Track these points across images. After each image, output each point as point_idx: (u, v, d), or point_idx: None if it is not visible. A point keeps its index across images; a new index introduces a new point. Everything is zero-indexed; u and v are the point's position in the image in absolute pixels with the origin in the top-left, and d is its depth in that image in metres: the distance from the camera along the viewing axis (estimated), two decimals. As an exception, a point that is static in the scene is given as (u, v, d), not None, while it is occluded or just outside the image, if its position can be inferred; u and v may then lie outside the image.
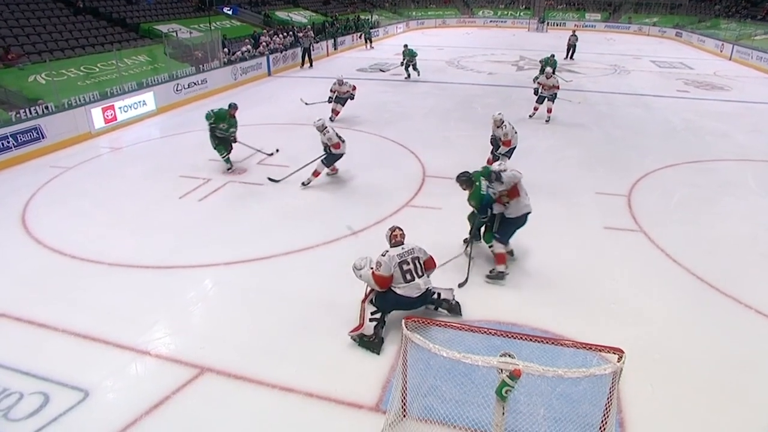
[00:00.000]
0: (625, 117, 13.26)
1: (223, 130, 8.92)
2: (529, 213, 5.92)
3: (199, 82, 15.15)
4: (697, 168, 9.58)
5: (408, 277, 4.85)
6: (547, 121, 12.37)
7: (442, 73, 19.68)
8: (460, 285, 5.64)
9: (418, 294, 4.89)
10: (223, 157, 9.08)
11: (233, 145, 9.20)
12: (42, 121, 10.35)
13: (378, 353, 4.74)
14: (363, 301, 4.97)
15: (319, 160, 8.43)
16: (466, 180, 5.94)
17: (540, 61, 16.82)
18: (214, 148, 9.07)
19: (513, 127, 8.44)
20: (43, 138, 10.32)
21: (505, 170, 5.74)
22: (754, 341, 5.00)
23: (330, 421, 4.05)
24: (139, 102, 12.84)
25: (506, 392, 3.09)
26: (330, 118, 12.06)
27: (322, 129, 8.26)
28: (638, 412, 4.11)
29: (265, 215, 7.57)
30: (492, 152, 8.77)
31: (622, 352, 3.30)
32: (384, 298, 4.89)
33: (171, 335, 5.03)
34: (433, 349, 3.18)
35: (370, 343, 4.80)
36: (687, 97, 15.77)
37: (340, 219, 7.27)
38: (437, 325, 3.66)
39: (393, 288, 4.84)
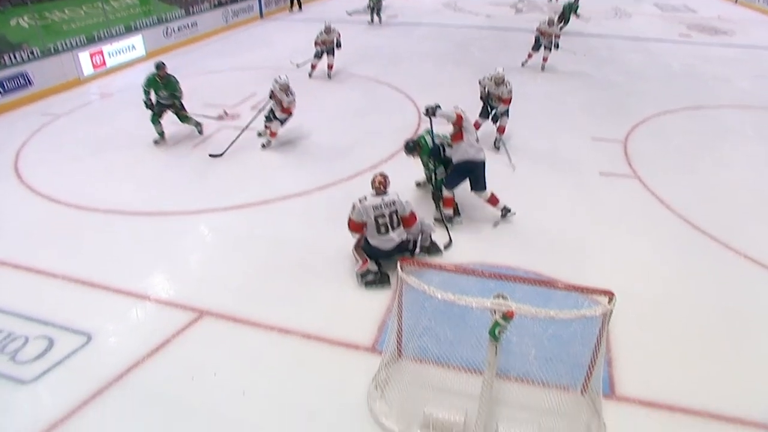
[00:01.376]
0: (625, 62, 13.01)
1: (163, 97, 7.75)
2: (480, 162, 5.77)
3: (189, 26, 14.70)
4: (696, 114, 9.50)
5: (382, 230, 4.87)
6: (542, 68, 11.92)
7: (438, 15, 19.13)
8: (446, 247, 5.53)
9: (392, 246, 4.93)
10: (157, 130, 7.94)
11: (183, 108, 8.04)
12: (29, 67, 10.10)
13: (388, 285, 4.88)
14: (354, 247, 5.05)
15: (277, 121, 7.73)
16: (412, 146, 5.93)
17: (563, 6, 15.28)
18: (151, 121, 7.85)
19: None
20: (30, 85, 10.09)
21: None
22: (746, 289, 5.10)
23: (327, 361, 4.16)
24: (128, 46, 12.50)
25: (499, 333, 3.16)
26: (309, 74, 11.27)
27: (286, 89, 7.52)
28: (626, 353, 4.24)
29: (260, 161, 7.52)
30: (482, 114, 7.93)
31: (613, 294, 3.36)
32: (365, 244, 4.95)
33: (169, 280, 5.10)
34: (428, 291, 3.23)
35: (376, 280, 4.90)
36: (689, 42, 15.44)
37: (334, 165, 7.23)
38: (432, 267, 3.71)
39: (367, 238, 4.90)
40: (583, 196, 6.57)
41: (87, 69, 11.34)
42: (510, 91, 7.52)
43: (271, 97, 7.65)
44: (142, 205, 6.31)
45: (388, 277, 4.97)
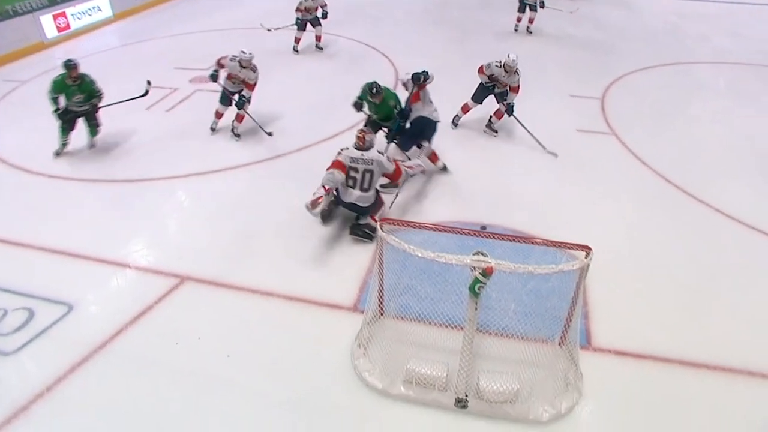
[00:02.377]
0: (605, 19, 12.85)
1: (78, 102, 6.38)
2: (436, 123, 5.97)
3: (158, -14, 14.12)
4: (673, 71, 9.52)
5: (349, 182, 4.90)
6: (529, 32, 11.43)
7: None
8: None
9: (349, 201, 4.99)
10: (62, 141, 6.54)
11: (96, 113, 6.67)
12: (-14, 31, 9.65)
13: (323, 223, 5.11)
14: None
15: (241, 106, 6.87)
16: (377, 91, 5.76)
17: None
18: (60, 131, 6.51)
19: None
20: (-11, 49, 9.68)
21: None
22: (717, 241, 5.23)
23: (310, 322, 4.22)
24: (94, 8, 11.97)
25: (479, 289, 3.22)
26: (294, 49, 10.11)
27: (250, 65, 6.71)
28: (602, 306, 4.37)
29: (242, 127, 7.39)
30: (476, 97, 7.08)
31: (590, 249, 3.45)
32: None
33: (149, 247, 5.06)
34: (408, 250, 3.26)
35: (325, 214, 5.06)
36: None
37: (311, 126, 7.13)
38: (412, 226, 3.74)
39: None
40: (560, 153, 6.61)
41: (50, 32, 10.88)
42: (519, 79, 6.70)
43: (234, 79, 6.77)
44: (118, 173, 6.20)
45: (328, 217, 5.11)
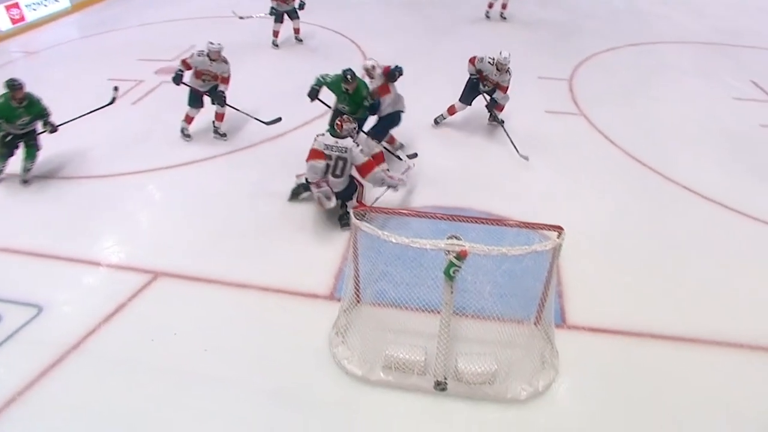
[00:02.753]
0: (573, 1, 12.94)
1: (22, 125, 5.61)
2: (402, 112, 5.96)
3: (119, -26, 13.65)
4: (638, 51, 9.66)
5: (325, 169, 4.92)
6: (503, 18, 11.19)
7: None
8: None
9: None
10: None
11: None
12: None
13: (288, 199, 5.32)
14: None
15: (222, 103, 6.45)
16: (352, 78, 5.60)
17: None
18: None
19: None
20: (-60, 44, 9.28)
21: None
22: (684, 217, 5.38)
23: (287, 312, 4.20)
24: (49, -2, 11.56)
25: (454, 272, 3.24)
26: (273, 42, 9.56)
27: (220, 57, 6.24)
28: (576, 284, 4.46)
29: (206, 115, 7.23)
30: (464, 98, 6.77)
31: (562, 229, 3.50)
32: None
33: (120, 244, 4.97)
34: (382, 236, 3.27)
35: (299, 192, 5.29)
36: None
37: (280, 113, 7.00)
38: (385, 212, 3.74)
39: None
40: (530, 135, 6.66)
41: (4, 24, 10.44)
42: (509, 79, 6.41)
43: (205, 76, 6.29)
44: (85, 168, 6.03)
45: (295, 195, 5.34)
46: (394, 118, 5.94)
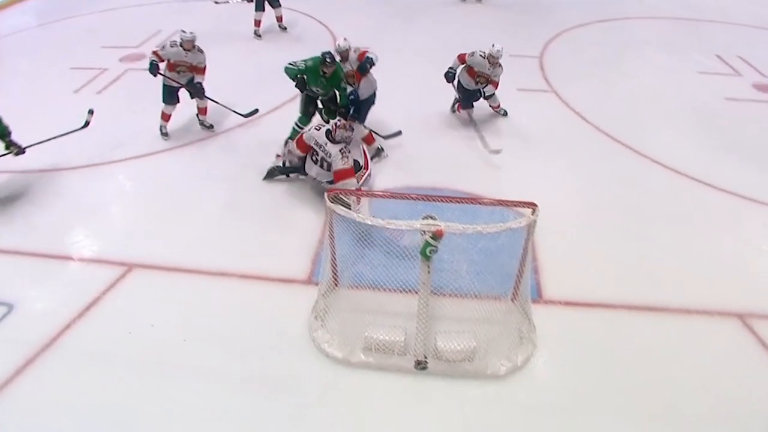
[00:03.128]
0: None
1: None
2: (376, 90, 6.00)
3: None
4: (607, 27, 9.71)
5: (313, 158, 4.95)
6: (479, 0, 11.03)
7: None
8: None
9: (311, 174, 5.05)
10: None
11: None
12: None
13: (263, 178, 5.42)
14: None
15: (201, 96, 6.11)
16: (332, 61, 5.42)
17: None
18: None
19: None
20: None
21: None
22: (656, 191, 5.46)
23: (265, 298, 4.18)
24: (5, -18, 11.09)
25: (430, 252, 3.27)
26: (255, 33, 9.02)
27: (193, 47, 5.84)
28: (551, 260, 4.53)
29: (185, 108, 7.07)
30: (465, 102, 6.40)
31: (536, 205, 3.54)
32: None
33: (91, 236, 4.87)
34: (358, 218, 3.27)
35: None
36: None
37: (251, 100, 6.90)
38: (360, 195, 3.73)
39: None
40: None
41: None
42: (501, 72, 6.18)
43: (180, 67, 5.89)
44: (51, 161, 5.84)
45: (271, 175, 5.42)
46: (371, 99, 5.93)
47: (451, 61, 6.17)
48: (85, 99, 7.21)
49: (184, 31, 5.77)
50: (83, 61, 8.23)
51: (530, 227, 3.56)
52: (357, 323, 3.74)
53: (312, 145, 4.87)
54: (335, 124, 4.78)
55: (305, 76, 5.50)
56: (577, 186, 5.48)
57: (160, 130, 6.26)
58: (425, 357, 3.57)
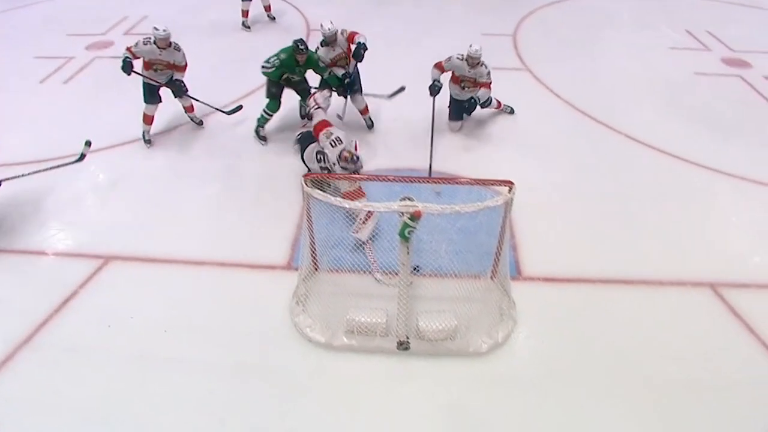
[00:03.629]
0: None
1: None
2: None
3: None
4: (578, 4, 9.70)
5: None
6: None
7: None
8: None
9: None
10: None
11: None
12: None
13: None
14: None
15: (182, 94, 5.75)
16: (305, 48, 5.38)
17: None
18: None
19: None
20: None
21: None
22: (630, 166, 5.54)
23: (246, 286, 4.17)
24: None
25: (409, 233, 3.28)
26: (243, 24, 8.61)
27: (168, 45, 5.43)
28: (529, 237, 4.58)
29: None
30: (453, 115, 6.06)
31: (512, 184, 3.57)
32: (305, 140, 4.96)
33: (65, 230, 4.77)
34: (335, 202, 3.26)
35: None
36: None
37: (223, 88, 6.78)
38: (336, 178, 3.71)
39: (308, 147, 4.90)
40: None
41: None
42: (489, 73, 5.69)
43: (156, 65, 5.50)
44: (19, 155, 5.65)
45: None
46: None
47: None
48: (51, 89, 7.03)
49: (156, 28, 5.33)
50: (48, 50, 7.98)
51: (507, 205, 3.59)
52: (338, 307, 3.75)
53: (325, 149, 4.67)
54: (347, 153, 4.48)
55: (282, 66, 5.42)
56: (553, 163, 5.53)
57: (143, 136, 5.84)
58: (407, 337, 3.61)
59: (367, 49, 5.60)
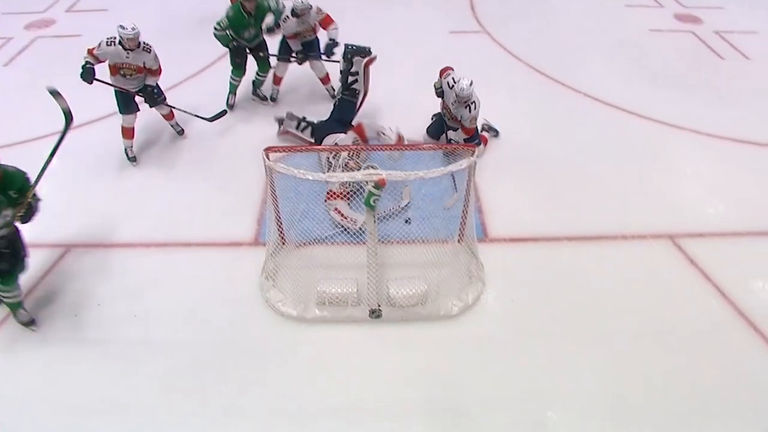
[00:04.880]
0: None
1: None
2: None
3: None
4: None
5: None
6: None
7: None
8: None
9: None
10: None
11: None
12: None
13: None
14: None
15: (158, 102, 5.04)
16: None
17: None
18: None
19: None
20: None
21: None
22: (590, 123, 5.63)
23: (213, 264, 4.12)
24: None
25: (374, 201, 3.27)
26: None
27: (138, 44, 4.63)
28: (494, 199, 4.63)
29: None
30: (431, 130, 5.17)
31: (475, 147, 3.59)
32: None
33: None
34: (298, 174, 3.22)
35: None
36: None
37: (178, 63, 6.56)
38: (298, 150, 3.66)
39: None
40: (436, 57, 6.59)
41: None
42: (474, 118, 4.69)
43: (125, 70, 4.74)
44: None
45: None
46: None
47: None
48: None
49: (123, 27, 4.49)
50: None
51: (471, 168, 3.61)
52: (308, 279, 3.74)
53: (332, 160, 4.37)
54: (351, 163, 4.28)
55: (232, 27, 5.21)
56: (515, 124, 5.55)
57: (126, 153, 5.12)
58: (379, 305, 3.64)
59: (338, 45, 5.37)
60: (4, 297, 3.52)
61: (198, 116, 5.33)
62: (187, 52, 6.55)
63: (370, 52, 5.02)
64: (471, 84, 4.49)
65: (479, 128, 4.98)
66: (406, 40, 7.00)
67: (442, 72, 4.89)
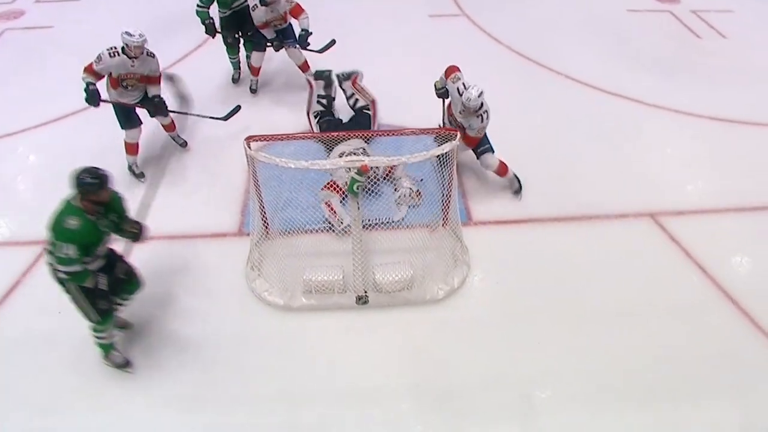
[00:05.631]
0: None
1: None
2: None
3: None
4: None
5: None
6: None
7: None
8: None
9: None
10: None
11: None
12: None
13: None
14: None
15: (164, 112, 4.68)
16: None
17: None
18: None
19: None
20: None
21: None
22: (575, 108, 5.66)
23: (198, 256, 4.08)
24: None
25: (357, 188, 3.27)
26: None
27: (144, 51, 4.32)
28: (477, 183, 4.67)
29: (67, 62, 6.45)
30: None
31: (457, 131, 3.59)
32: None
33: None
34: (281, 163, 3.20)
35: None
36: None
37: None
38: (280, 139, 3.63)
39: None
40: (416, 42, 6.62)
41: None
42: (483, 128, 4.32)
43: (128, 81, 4.42)
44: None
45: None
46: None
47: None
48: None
49: (129, 33, 4.15)
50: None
51: (454, 153, 3.61)
52: (294, 268, 3.73)
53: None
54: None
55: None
56: (496, 107, 5.48)
57: (131, 170, 4.83)
58: (365, 291, 3.65)
59: (311, 34, 5.39)
60: (97, 338, 3.36)
61: (211, 117, 4.95)
62: (170, 43, 6.40)
63: (355, 72, 5.32)
64: (481, 94, 4.14)
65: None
66: (385, 24, 6.95)
67: (447, 72, 4.50)
